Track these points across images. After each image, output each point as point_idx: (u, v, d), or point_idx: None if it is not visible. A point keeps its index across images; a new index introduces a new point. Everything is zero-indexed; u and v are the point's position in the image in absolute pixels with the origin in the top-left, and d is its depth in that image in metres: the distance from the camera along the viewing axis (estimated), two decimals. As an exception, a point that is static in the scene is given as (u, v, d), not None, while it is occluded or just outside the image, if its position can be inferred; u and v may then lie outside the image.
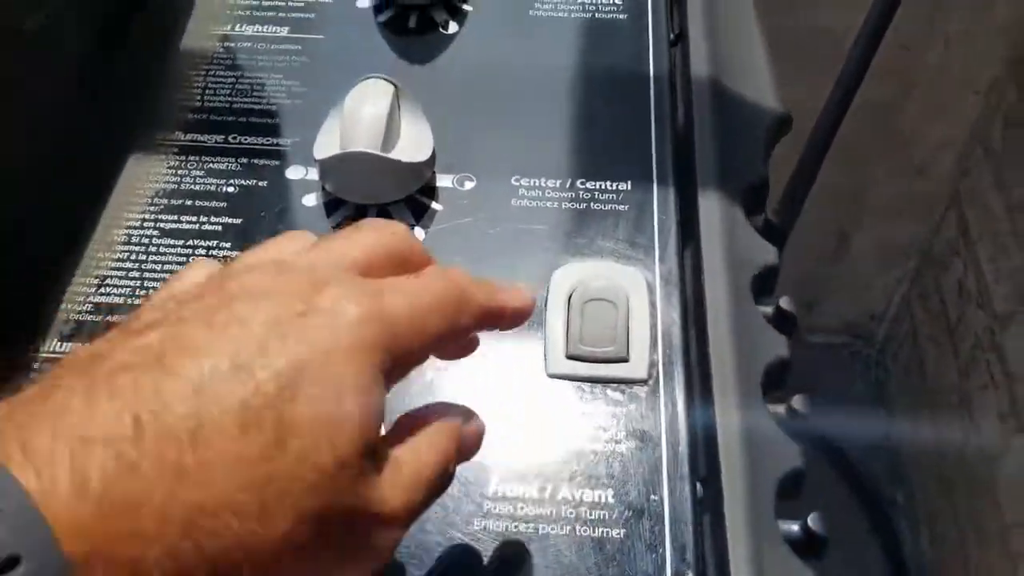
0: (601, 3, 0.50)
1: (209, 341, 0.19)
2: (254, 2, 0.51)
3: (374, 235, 0.25)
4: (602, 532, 0.32)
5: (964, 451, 1.00)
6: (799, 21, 0.87)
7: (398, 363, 0.23)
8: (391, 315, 0.22)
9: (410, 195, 0.42)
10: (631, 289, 0.38)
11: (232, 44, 0.49)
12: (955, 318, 1.04)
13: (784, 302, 0.39)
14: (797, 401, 0.36)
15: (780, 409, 0.37)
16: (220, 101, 0.46)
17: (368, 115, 0.39)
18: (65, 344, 0.38)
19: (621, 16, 0.50)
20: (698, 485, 0.34)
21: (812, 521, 0.34)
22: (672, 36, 0.49)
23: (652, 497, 0.33)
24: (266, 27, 0.49)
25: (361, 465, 0.20)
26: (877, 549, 1.15)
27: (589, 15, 0.50)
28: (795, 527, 0.34)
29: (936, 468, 1.08)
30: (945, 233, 1.07)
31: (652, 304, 0.38)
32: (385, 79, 0.41)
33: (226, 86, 0.47)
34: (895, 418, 1.21)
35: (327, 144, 0.41)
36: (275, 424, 0.19)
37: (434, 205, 0.42)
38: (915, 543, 1.13)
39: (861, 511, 1.16)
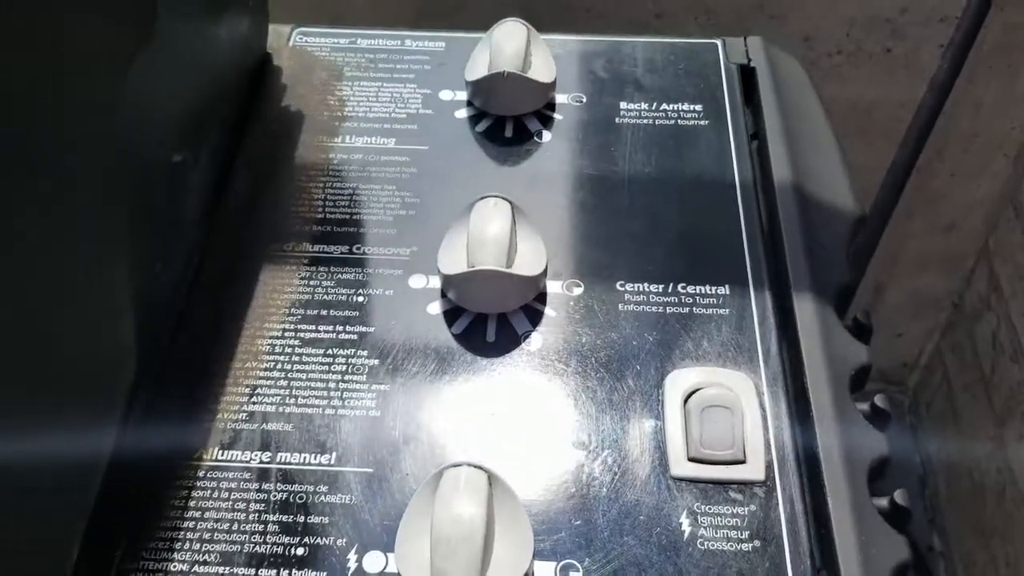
0: (683, 110, 0.54)
1: None
2: (360, 113, 0.55)
3: None
4: (737, 628, 0.36)
5: (1001, 499, 1.03)
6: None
7: None
8: None
9: (526, 303, 0.45)
10: (742, 393, 0.42)
11: (345, 156, 0.53)
12: (989, 370, 1.07)
13: (880, 400, 0.43)
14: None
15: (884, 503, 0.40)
16: (341, 213, 0.50)
17: (493, 234, 0.43)
18: (226, 452, 0.41)
19: (702, 123, 0.54)
20: (818, 578, 0.37)
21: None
22: (748, 136, 0.53)
23: (780, 593, 0.36)
24: (374, 138, 0.53)
25: None
26: (916, 594, 1.17)
27: (671, 122, 0.54)
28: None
29: (974, 515, 1.11)
30: (977, 287, 1.11)
31: (762, 407, 0.42)
32: (502, 198, 0.45)
33: (344, 197, 0.51)
34: (931, 463, 1.24)
35: (453, 259, 0.44)
36: None
37: (548, 311, 0.46)
38: (955, 589, 1.15)
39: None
